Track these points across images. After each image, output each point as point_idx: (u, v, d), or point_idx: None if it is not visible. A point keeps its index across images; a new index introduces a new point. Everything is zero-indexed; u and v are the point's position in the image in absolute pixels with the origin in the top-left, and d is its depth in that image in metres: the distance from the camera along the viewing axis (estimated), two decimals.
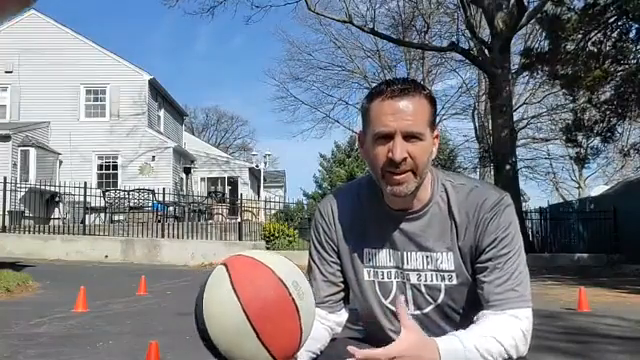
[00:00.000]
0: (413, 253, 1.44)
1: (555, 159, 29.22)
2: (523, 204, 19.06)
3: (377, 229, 1.48)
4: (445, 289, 1.43)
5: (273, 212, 19.18)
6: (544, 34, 16.55)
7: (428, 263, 1.44)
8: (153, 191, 17.58)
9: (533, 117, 26.32)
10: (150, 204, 17.43)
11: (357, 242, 1.50)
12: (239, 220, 17.19)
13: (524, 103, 25.34)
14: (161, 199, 16.79)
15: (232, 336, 1.13)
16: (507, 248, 1.39)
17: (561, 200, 27.27)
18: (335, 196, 1.59)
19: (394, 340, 1.30)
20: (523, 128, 25.96)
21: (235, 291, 1.14)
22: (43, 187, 16.67)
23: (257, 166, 27.70)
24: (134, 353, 3.87)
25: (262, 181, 28.06)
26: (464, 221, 1.42)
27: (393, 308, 1.46)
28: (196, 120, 47.82)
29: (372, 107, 1.39)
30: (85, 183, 16.20)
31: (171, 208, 17.96)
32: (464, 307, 1.44)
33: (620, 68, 14.41)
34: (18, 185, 16.64)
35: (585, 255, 14.89)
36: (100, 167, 21.76)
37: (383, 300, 1.49)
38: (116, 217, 17.05)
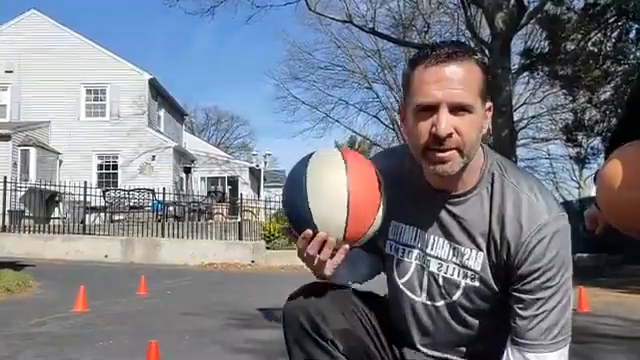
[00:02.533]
0: (441, 240, 1.32)
1: (555, 159, 29.29)
2: None
3: (410, 204, 1.36)
4: (464, 287, 1.31)
5: (273, 212, 19.17)
6: (544, 34, 16.55)
7: (454, 255, 1.31)
8: (153, 191, 17.58)
9: (533, 117, 26.35)
10: (150, 204, 17.43)
11: (388, 213, 1.35)
12: (239, 220, 17.19)
13: (524, 103, 25.35)
14: (161, 199, 16.79)
15: (330, 205, 1.24)
16: (551, 281, 1.22)
17: (561, 200, 27.33)
18: (379, 157, 1.51)
19: (408, 324, 1.38)
20: (523, 128, 25.98)
21: (347, 171, 1.25)
22: (43, 187, 16.67)
23: (257, 166, 27.69)
24: (134, 353, 3.87)
25: (262, 181, 28.06)
26: (504, 231, 1.25)
27: (407, 292, 1.38)
28: (196, 120, 47.79)
29: (414, 74, 1.22)
30: (85, 183, 16.20)
31: (171, 208, 17.95)
32: (479, 311, 1.33)
33: (620, 68, 14.41)
34: (18, 185, 16.63)
35: (585, 255, 14.88)
36: (100, 167, 21.76)
37: (397, 279, 1.39)
38: (116, 217, 17.04)
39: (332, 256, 1.28)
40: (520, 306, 1.25)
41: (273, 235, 15.22)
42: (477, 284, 1.30)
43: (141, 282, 7.66)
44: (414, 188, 1.35)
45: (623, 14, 13.73)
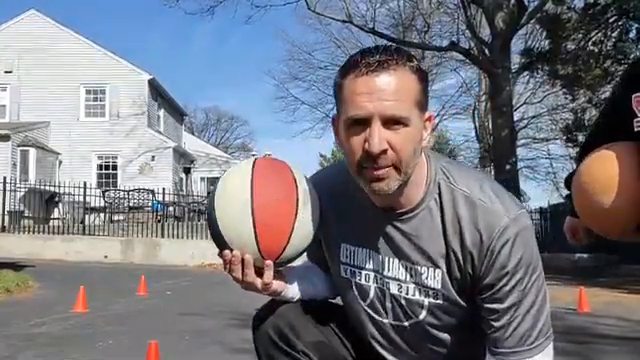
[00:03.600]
0: (395, 260, 1.23)
1: (555, 159, 29.21)
2: (523, 204, 19.05)
3: (359, 226, 1.27)
4: (428, 306, 1.24)
5: None
6: (544, 34, 16.55)
7: (411, 276, 1.23)
8: (153, 191, 17.58)
9: (533, 117, 26.32)
10: (150, 204, 17.43)
11: (336, 235, 1.31)
12: None
13: (524, 103, 25.32)
14: (161, 199, 16.78)
15: (234, 215, 1.19)
16: (520, 285, 1.16)
17: (561, 200, 27.29)
18: (322, 176, 1.40)
19: (375, 346, 1.31)
20: (523, 128, 25.96)
21: (252, 176, 1.20)
22: (43, 187, 16.66)
23: None
24: (134, 353, 3.86)
25: None
26: (462, 241, 1.18)
27: (372, 314, 1.31)
28: (196, 120, 47.81)
29: (345, 84, 1.13)
30: (85, 183, 16.19)
31: (171, 208, 17.95)
32: (449, 327, 1.26)
33: (620, 68, 14.39)
34: (18, 185, 16.62)
35: (585, 255, 14.87)
36: (100, 167, 21.76)
37: (361, 302, 1.32)
38: (116, 217, 17.04)
39: (260, 275, 1.23)
40: (492, 317, 1.18)
41: None
42: (441, 302, 1.23)
43: (141, 282, 7.65)
44: (359, 207, 1.26)
45: (623, 14, 13.73)
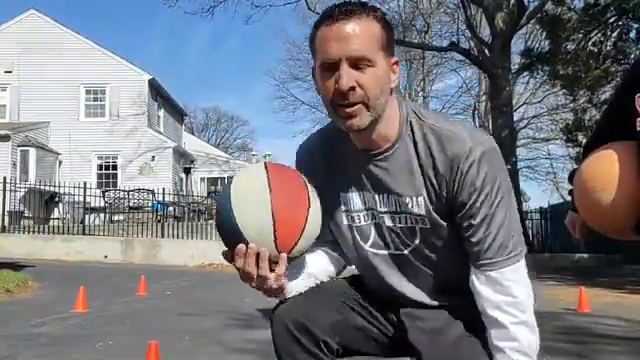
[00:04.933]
0: (384, 196, 1.37)
1: (555, 159, 29.22)
2: (523, 204, 19.07)
3: (349, 172, 1.41)
4: (419, 232, 1.37)
5: None
6: (544, 34, 16.57)
7: (399, 206, 1.36)
8: (153, 191, 17.58)
9: (533, 117, 26.35)
10: (150, 204, 17.42)
11: (333, 187, 1.43)
12: None
13: (524, 103, 25.34)
14: (161, 199, 16.78)
15: (253, 212, 1.26)
16: (489, 199, 1.29)
17: (561, 200, 27.33)
18: (312, 137, 1.53)
19: (390, 283, 1.43)
20: (523, 128, 25.99)
21: (267, 174, 1.30)
22: (43, 187, 16.66)
23: None
24: (134, 353, 3.86)
25: None
26: (435, 169, 1.31)
27: (375, 251, 1.43)
28: (196, 120, 47.86)
29: (317, 34, 1.27)
30: (85, 183, 16.19)
31: (171, 208, 17.95)
32: (441, 249, 1.39)
33: (620, 68, 14.40)
34: (18, 185, 16.62)
35: (585, 255, 14.88)
36: (100, 167, 21.77)
37: (363, 244, 1.44)
38: (116, 217, 17.04)
39: (272, 270, 1.29)
40: (469, 233, 1.31)
41: None
42: (428, 226, 1.36)
43: (141, 282, 7.65)
44: (347, 154, 1.40)
45: (623, 14, 13.73)
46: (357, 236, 1.44)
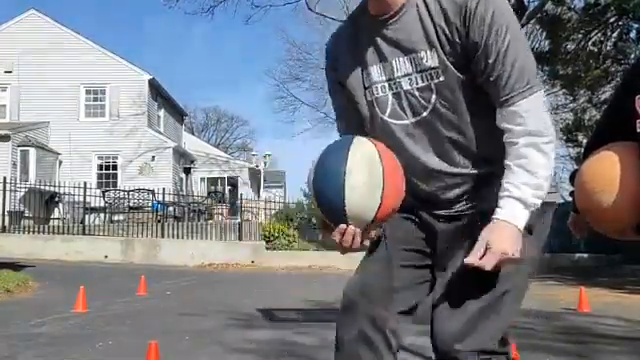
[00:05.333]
0: (401, 58, 1.46)
1: (556, 159, 29.15)
2: None
3: (367, 46, 1.50)
4: (436, 88, 1.43)
5: (273, 212, 19.16)
6: (544, 34, 16.55)
7: (416, 64, 1.44)
8: (153, 191, 17.57)
9: None
10: (150, 204, 17.41)
11: (355, 66, 1.54)
12: (239, 220, 17.18)
13: None
14: (161, 199, 16.78)
15: (367, 194, 1.36)
16: (500, 35, 1.36)
17: (561, 200, 27.29)
18: (338, 28, 1.66)
19: (416, 156, 1.51)
20: None
21: (380, 157, 1.39)
22: (43, 187, 16.66)
23: (257, 166, 27.69)
24: (134, 353, 3.86)
25: (262, 181, 28.05)
26: (446, 18, 1.39)
27: (396, 122, 1.51)
28: (196, 120, 47.81)
29: None
30: (85, 183, 16.19)
31: (171, 208, 17.94)
32: (458, 106, 1.45)
33: (620, 68, 14.40)
34: (18, 185, 16.62)
35: (585, 255, 14.89)
36: (100, 167, 21.75)
37: (382, 114, 1.52)
38: (116, 217, 17.04)
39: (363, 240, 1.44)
40: (487, 73, 1.38)
41: (273, 235, 15.21)
42: (443, 78, 1.42)
43: (141, 282, 7.66)
44: (364, 30, 1.51)
45: (623, 14, 13.73)
46: (377, 110, 1.53)
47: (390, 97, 1.50)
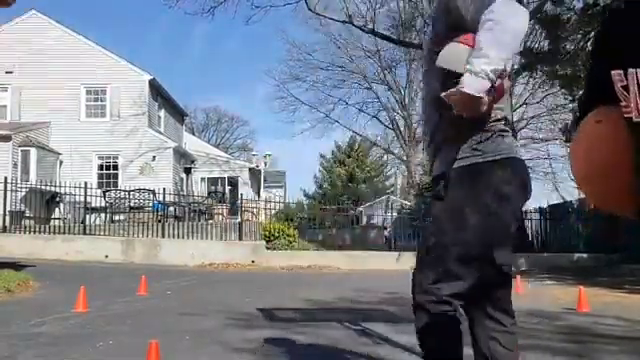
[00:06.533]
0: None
1: (555, 159, 29.20)
2: None
3: None
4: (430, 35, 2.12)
5: (273, 212, 19.17)
6: (544, 34, 16.55)
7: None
8: (153, 191, 17.59)
9: (533, 117, 26.31)
10: (150, 204, 17.43)
11: None
12: (239, 220, 17.19)
13: (524, 103, 25.32)
14: (161, 199, 16.79)
15: None
16: None
17: (561, 200, 27.34)
18: None
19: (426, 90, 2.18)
20: (523, 128, 25.94)
21: None
22: (43, 187, 16.68)
23: (257, 166, 27.69)
24: (134, 353, 3.87)
25: (262, 181, 28.06)
26: None
27: (423, 69, 2.22)
28: (196, 120, 47.90)
29: None
30: (85, 183, 16.20)
31: (171, 208, 17.96)
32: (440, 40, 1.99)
33: None
34: (18, 185, 16.64)
35: (584, 255, 14.89)
36: (100, 167, 21.77)
37: (423, 67, 2.22)
38: (116, 217, 17.05)
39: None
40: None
41: (273, 235, 15.22)
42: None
43: (141, 282, 7.66)
44: None
45: None
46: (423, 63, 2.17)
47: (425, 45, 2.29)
